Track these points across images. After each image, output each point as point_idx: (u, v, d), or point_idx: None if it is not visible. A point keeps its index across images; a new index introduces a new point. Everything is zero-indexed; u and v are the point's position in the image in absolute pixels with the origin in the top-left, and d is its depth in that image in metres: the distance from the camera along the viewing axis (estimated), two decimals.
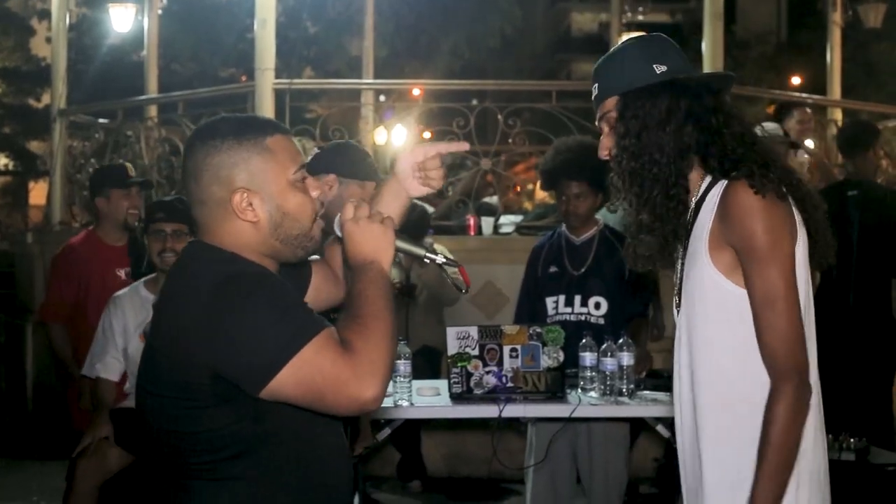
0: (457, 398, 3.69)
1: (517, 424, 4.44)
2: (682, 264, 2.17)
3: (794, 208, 2.06)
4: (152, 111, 8.79)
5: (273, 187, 1.88)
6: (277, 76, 7.40)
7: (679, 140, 2.08)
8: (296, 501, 1.85)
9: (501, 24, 15.48)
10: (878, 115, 9.12)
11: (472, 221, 6.80)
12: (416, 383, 3.87)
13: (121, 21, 10.39)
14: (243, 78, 14.50)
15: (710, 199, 2.09)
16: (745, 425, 2.04)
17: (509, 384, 3.66)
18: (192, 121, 7.61)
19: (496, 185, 8.19)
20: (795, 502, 2.01)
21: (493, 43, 15.78)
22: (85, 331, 4.46)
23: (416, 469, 5.94)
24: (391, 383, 3.24)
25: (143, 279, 4.22)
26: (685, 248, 2.15)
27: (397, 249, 1.96)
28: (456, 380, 3.68)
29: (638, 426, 4.42)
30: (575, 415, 3.66)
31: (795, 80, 19.81)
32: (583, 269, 4.14)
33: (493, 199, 7.79)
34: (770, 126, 5.01)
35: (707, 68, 6.73)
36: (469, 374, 3.67)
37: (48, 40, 13.85)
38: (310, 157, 3.19)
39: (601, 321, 4.07)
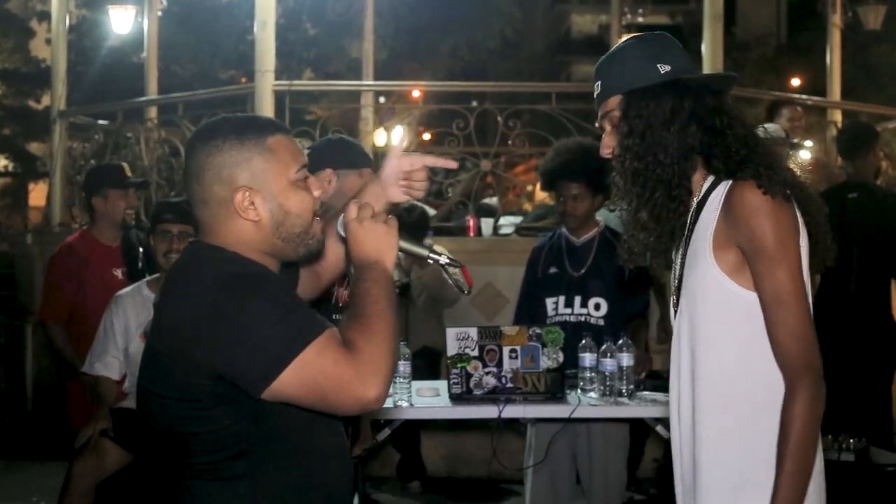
0: (456, 399, 3.69)
1: (517, 425, 4.45)
2: (682, 265, 2.16)
3: (796, 210, 2.06)
4: (152, 113, 8.78)
5: (275, 186, 1.88)
6: (277, 78, 7.41)
7: (683, 141, 2.07)
8: (296, 501, 1.86)
9: (501, 25, 15.51)
10: (878, 117, 9.13)
11: (471, 223, 6.81)
12: (416, 384, 3.87)
13: (120, 23, 10.39)
14: (243, 80, 14.49)
15: (712, 199, 2.09)
16: (746, 426, 2.04)
17: (509, 385, 3.67)
18: (191, 122, 7.62)
19: (496, 187, 8.19)
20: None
21: (492, 45, 15.81)
22: (85, 331, 4.47)
23: (415, 469, 5.94)
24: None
25: (146, 279, 4.22)
26: (685, 249, 2.14)
27: (400, 249, 1.96)
28: (455, 380, 3.68)
29: (645, 430, 4.42)
30: (574, 415, 3.67)
31: (795, 82, 19.82)
32: (583, 270, 4.14)
33: (493, 201, 7.79)
34: (772, 127, 4.99)
35: (707, 70, 6.73)
36: (469, 375, 3.68)
37: (48, 42, 13.85)
38: None
39: (601, 322, 4.07)
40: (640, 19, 13.06)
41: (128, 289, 4.21)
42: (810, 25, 17.16)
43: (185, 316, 1.78)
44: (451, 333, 3.71)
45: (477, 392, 3.68)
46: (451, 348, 3.68)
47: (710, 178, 2.12)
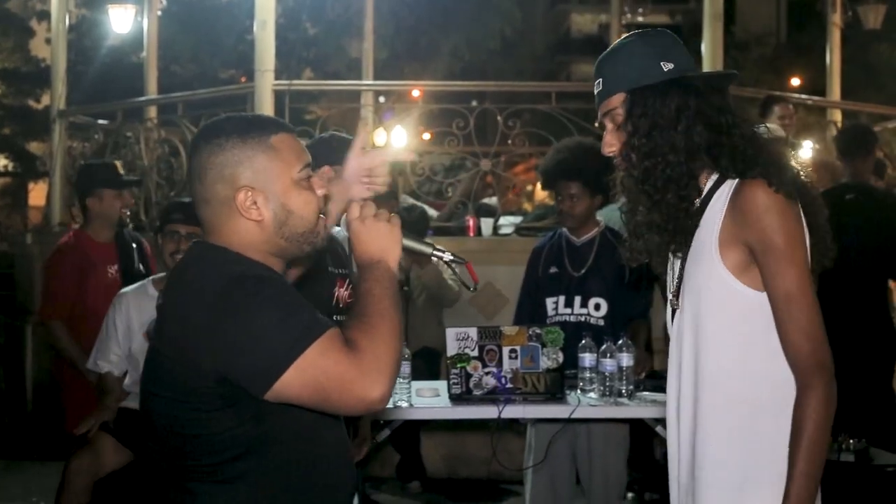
0: (456, 399, 3.69)
1: (516, 425, 4.44)
2: (682, 263, 2.16)
3: (801, 210, 2.06)
4: (152, 112, 8.78)
5: (277, 185, 1.87)
6: (277, 77, 7.40)
7: (690, 139, 2.06)
8: (298, 502, 1.85)
9: (501, 25, 15.48)
10: (878, 117, 9.14)
11: (471, 222, 6.81)
12: (416, 384, 3.87)
13: (120, 22, 10.37)
14: (243, 79, 14.50)
15: (717, 197, 2.08)
16: (749, 426, 2.04)
17: (509, 385, 3.66)
18: (191, 122, 7.62)
19: (496, 187, 8.18)
20: None
21: (492, 44, 15.79)
22: (84, 329, 4.47)
23: (415, 470, 5.94)
24: None
25: (150, 277, 4.22)
26: (687, 247, 2.13)
27: (404, 248, 1.95)
28: (455, 381, 3.68)
29: (650, 432, 4.42)
30: (574, 416, 3.66)
31: (795, 82, 19.82)
32: (583, 271, 4.14)
33: (493, 201, 7.78)
34: (773, 126, 5.00)
35: (707, 69, 6.72)
36: (468, 375, 3.68)
37: (48, 41, 13.86)
38: None
39: (601, 322, 4.07)
40: (640, 19, 13.02)
41: (132, 287, 4.21)
42: (810, 25, 17.16)
43: (188, 318, 1.78)
44: (451, 333, 3.71)
45: (477, 392, 3.68)
46: (451, 348, 3.68)
47: (714, 177, 2.11)
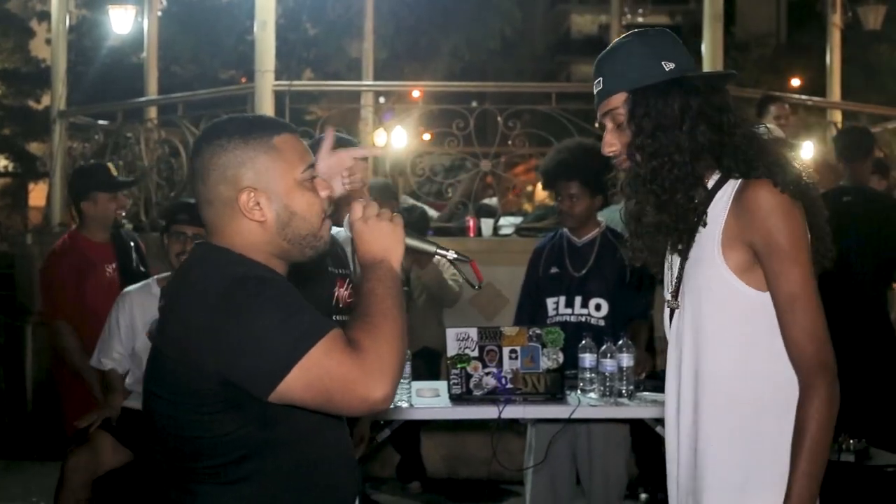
0: (456, 399, 3.69)
1: (517, 425, 4.44)
2: (682, 264, 2.15)
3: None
4: (152, 113, 8.78)
5: (280, 186, 1.86)
6: (277, 78, 7.40)
7: (694, 140, 2.05)
8: (300, 503, 1.85)
9: (501, 25, 15.49)
10: (878, 117, 9.13)
11: (471, 223, 6.81)
12: (416, 384, 3.87)
13: (120, 23, 10.38)
14: (243, 80, 14.51)
15: (719, 197, 2.08)
16: (751, 426, 2.04)
17: (509, 385, 3.66)
18: (191, 122, 7.63)
19: (496, 187, 8.19)
20: None
21: (492, 45, 15.80)
22: (85, 329, 4.47)
23: (415, 470, 5.94)
24: None
25: (154, 277, 4.22)
26: (687, 247, 2.12)
27: (408, 247, 1.94)
28: (455, 381, 3.68)
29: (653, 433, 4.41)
30: (574, 416, 3.66)
31: (795, 82, 19.82)
32: (584, 271, 4.14)
33: (493, 201, 7.79)
34: (772, 126, 5.01)
35: (707, 70, 6.72)
36: (468, 376, 3.68)
37: (48, 42, 13.87)
38: None
39: (601, 323, 4.07)
40: (640, 19, 13.06)
41: (136, 286, 4.22)
42: (810, 25, 17.14)
43: (191, 320, 1.77)
44: (451, 334, 3.71)
45: (477, 392, 3.68)
46: (451, 349, 3.68)
47: (715, 177, 2.11)
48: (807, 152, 6.81)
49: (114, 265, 4.74)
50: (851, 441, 3.85)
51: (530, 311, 4.24)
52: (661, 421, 3.79)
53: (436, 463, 6.09)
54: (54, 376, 4.88)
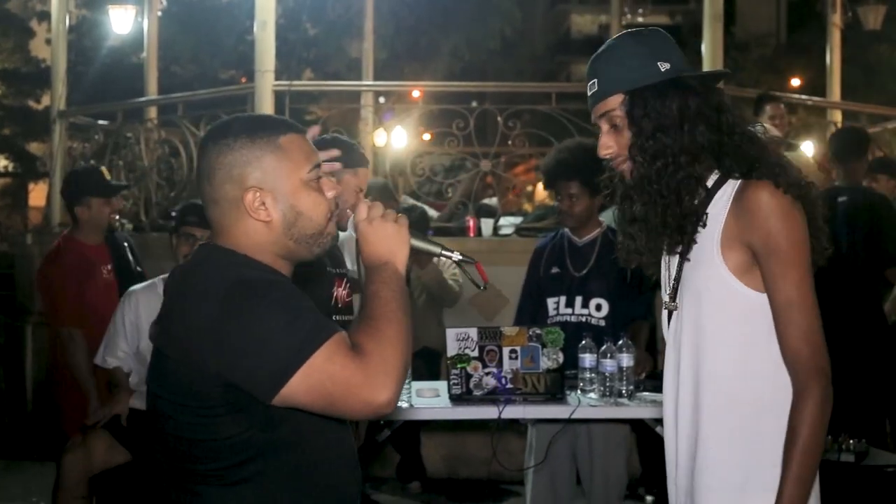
0: (456, 399, 3.69)
1: (517, 426, 4.44)
2: (680, 264, 2.14)
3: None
4: (152, 113, 8.78)
5: (286, 186, 1.85)
6: (277, 78, 7.40)
7: (693, 140, 2.04)
8: None
9: (501, 25, 15.50)
10: (878, 117, 9.13)
11: (471, 223, 6.81)
12: (416, 385, 3.87)
13: (120, 23, 10.39)
14: (243, 80, 14.52)
15: (719, 198, 2.07)
16: (751, 427, 2.04)
17: (509, 385, 3.66)
18: (191, 123, 7.62)
19: (496, 187, 8.18)
20: None
21: (492, 45, 15.81)
22: (87, 330, 4.46)
23: (415, 470, 5.94)
24: None
25: (160, 276, 4.23)
26: (687, 248, 2.12)
27: (412, 248, 1.93)
28: (455, 381, 3.68)
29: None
30: (574, 416, 3.66)
31: (795, 82, 19.82)
32: (584, 271, 4.14)
33: (493, 201, 7.79)
34: (769, 126, 5.01)
35: (707, 70, 6.72)
36: (468, 376, 3.67)
37: (48, 42, 13.87)
38: None
39: (602, 323, 4.07)
40: (640, 19, 13.06)
41: (142, 285, 4.24)
42: (810, 25, 17.16)
43: (193, 322, 1.76)
44: (451, 334, 3.70)
45: (477, 393, 3.67)
46: (451, 349, 3.68)
47: (714, 177, 2.10)
48: (807, 151, 6.81)
49: (109, 266, 4.75)
50: (851, 441, 3.85)
51: (531, 311, 4.24)
52: (661, 421, 3.80)
53: (436, 463, 6.09)
54: (54, 376, 4.87)
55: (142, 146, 7.95)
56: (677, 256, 2.15)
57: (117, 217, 4.86)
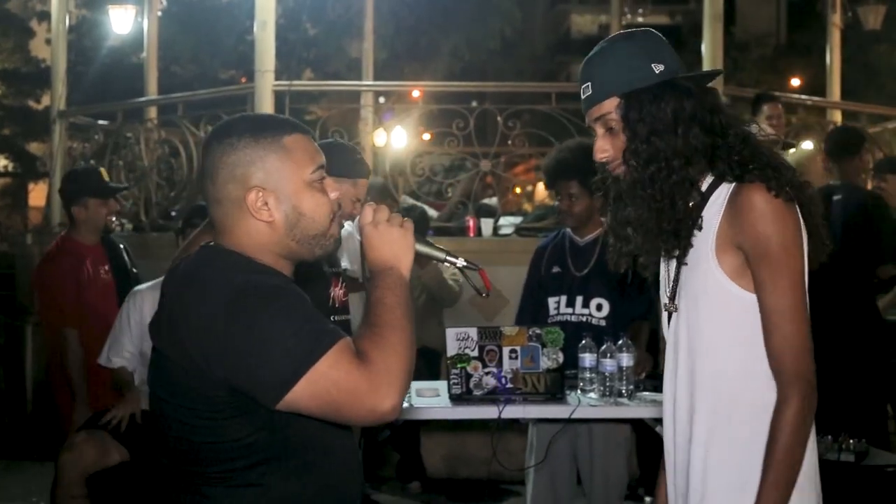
0: (456, 399, 3.69)
1: (517, 425, 4.44)
2: (677, 267, 2.14)
3: (798, 211, 2.05)
4: (152, 113, 8.78)
5: (289, 187, 1.85)
6: (277, 78, 7.40)
7: (688, 143, 2.03)
8: None
9: (501, 25, 15.49)
10: (878, 117, 9.13)
11: (471, 223, 6.81)
12: (416, 384, 3.87)
13: (120, 23, 10.39)
14: (243, 80, 14.52)
15: (713, 201, 2.06)
16: (747, 429, 2.03)
17: (509, 385, 3.66)
18: (191, 122, 7.63)
19: (496, 187, 8.18)
20: None
21: (492, 45, 15.80)
22: (87, 331, 4.46)
23: (415, 470, 5.94)
24: None
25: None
26: (684, 252, 2.11)
27: (417, 253, 1.93)
28: (455, 381, 3.68)
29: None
30: (574, 416, 3.66)
31: (795, 82, 19.83)
32: (585, 271, 4.14)
33: (493, 201, 7.79)
34: (765, 126, 5.01)
35: (706, 69, 6.72)
36: (468, 376, 3.67)
37: (48, 42, 13.87)
38: None
39: (602, 323, 4.07)
40: (640, 19, 13.04)
41: (147, 284, 4.25)
42: (810, 25, 17.15)
43: (197, 327, 1.75)
44: (451, 334, 3.70)
45: (477, 392, 3.67)
46: (451, 348, 3.68)
47: (709, 179, 2.09)
48: (805, 152, 6.81)
49: (106, 267, 4.75)
50: (851, 441, 3.85)
51: (532, 311, 4.24)
52: (660, 421, 3.80)
53: (436, 463, 6.09)
54: (53, 377, 4.87)
55: (142, 146, 7.95)
56: (675, 259, 2.14)
57: (114, 218, 4.84)
